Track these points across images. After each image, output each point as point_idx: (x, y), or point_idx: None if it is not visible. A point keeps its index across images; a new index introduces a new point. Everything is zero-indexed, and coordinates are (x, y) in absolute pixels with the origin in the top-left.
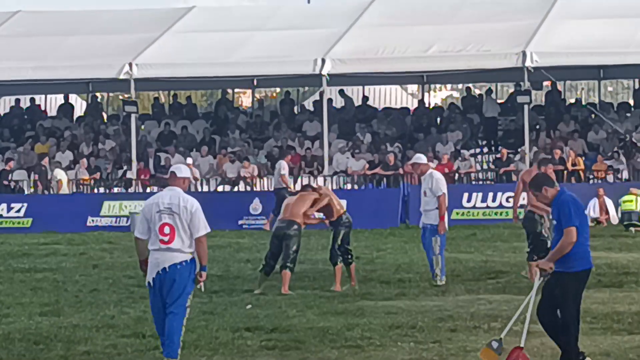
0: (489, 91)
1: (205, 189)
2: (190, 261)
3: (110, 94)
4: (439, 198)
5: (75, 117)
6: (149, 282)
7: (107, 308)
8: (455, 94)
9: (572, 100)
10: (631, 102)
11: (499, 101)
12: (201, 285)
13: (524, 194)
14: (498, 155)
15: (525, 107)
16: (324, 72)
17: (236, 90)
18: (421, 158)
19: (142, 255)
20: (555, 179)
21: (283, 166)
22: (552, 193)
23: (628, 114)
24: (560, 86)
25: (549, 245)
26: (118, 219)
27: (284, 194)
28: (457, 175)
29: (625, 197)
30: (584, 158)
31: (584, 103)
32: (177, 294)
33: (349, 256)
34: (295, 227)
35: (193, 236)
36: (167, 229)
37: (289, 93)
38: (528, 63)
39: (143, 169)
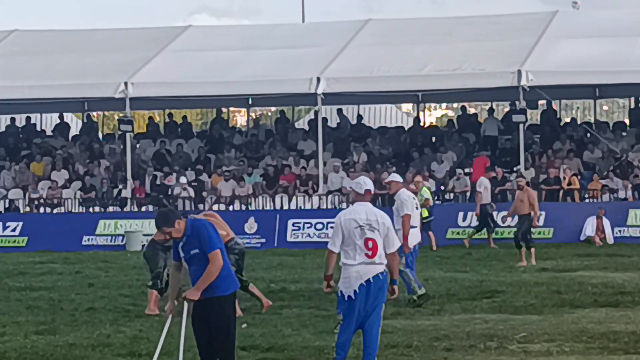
0: (491, 110)
1: (200, 207)
2: (386, 272)
3: (106, 113)
4: (403, 218)
5: (70, 136)
6: (349, 295)
7: (103, 327)
8: (451, 113)
9: (568, 120)
10: (627, 121)
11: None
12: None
13: None
14: (494, 174)
15: (521, 126)
16: (319, 91)
17: (231, 109)
18: (395, 177)
19: (332, 269)
20: None
21: (485, 183)
22: (183, 225)
23: (624, 133)
24: (555, 105)
25: None
26: (114, 238)
27: (488, 210)
28: (452, 194)
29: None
30: (579, 177)
31: (579, 122)
32: (379, 301)
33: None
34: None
35: (386, 250)
36: (370, 244)
37: (284, 112)
38: (523, 82)
39: (138, 188)
